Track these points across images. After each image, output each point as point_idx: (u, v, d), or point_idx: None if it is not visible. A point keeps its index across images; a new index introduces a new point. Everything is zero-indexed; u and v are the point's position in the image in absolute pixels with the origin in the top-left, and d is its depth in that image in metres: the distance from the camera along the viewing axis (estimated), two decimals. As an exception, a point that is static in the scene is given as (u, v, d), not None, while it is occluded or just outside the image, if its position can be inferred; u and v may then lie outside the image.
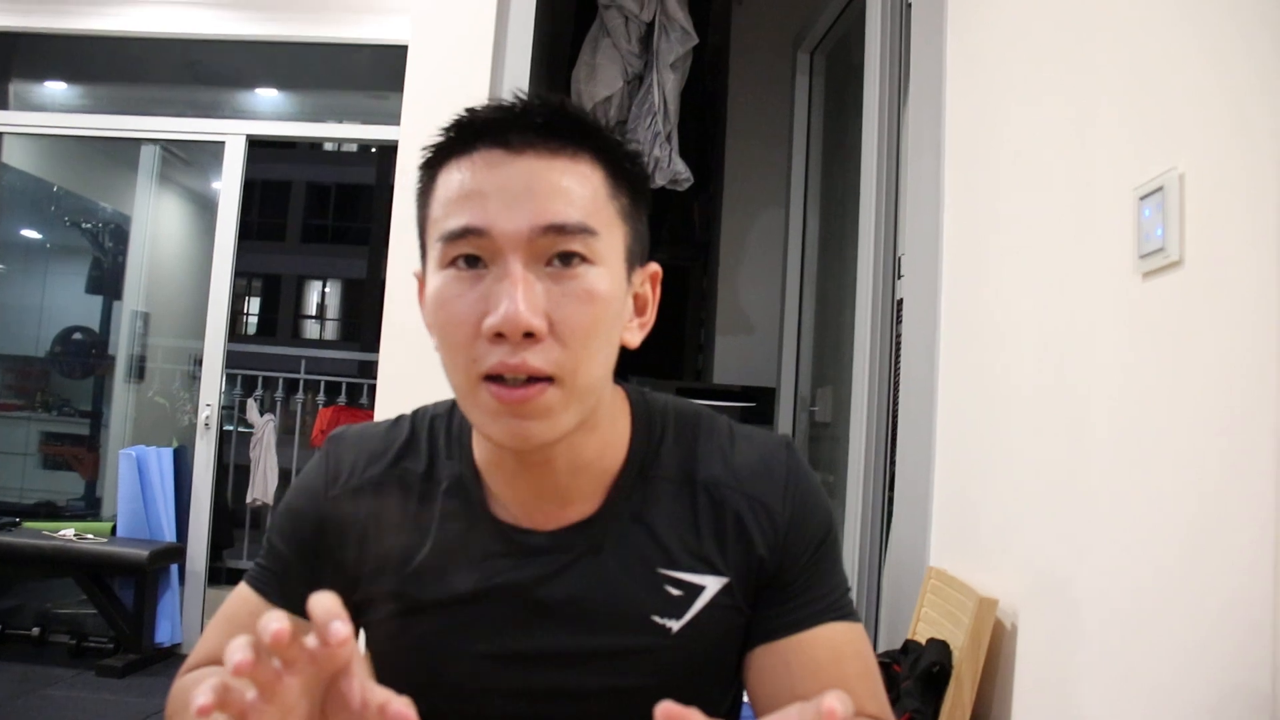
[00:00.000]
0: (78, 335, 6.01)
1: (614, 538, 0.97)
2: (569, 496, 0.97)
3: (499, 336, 0.84)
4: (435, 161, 0.93)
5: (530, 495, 0.97)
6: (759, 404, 4.11)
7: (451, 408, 1.06)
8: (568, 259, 0.87)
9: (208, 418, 4.53)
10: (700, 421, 1.03)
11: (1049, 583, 1.79)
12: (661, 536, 0.97)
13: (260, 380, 5.63)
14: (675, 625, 0.96)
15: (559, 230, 0.86)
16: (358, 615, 1.02)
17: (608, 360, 0.92)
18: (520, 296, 0.83)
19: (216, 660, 1.00)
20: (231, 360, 4.67)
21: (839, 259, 3.84)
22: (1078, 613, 1.67)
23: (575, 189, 0.88)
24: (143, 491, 4.51)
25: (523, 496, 0.97)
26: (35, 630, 4.46)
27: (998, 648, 1.92)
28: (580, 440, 0.94)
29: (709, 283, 5.28)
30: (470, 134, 0.90)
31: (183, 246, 6.49)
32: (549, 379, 0.85)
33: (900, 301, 2.72)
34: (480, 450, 1.00)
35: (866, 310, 2.80)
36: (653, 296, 1.00)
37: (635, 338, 0.97)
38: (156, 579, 4.36)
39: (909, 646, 2.09)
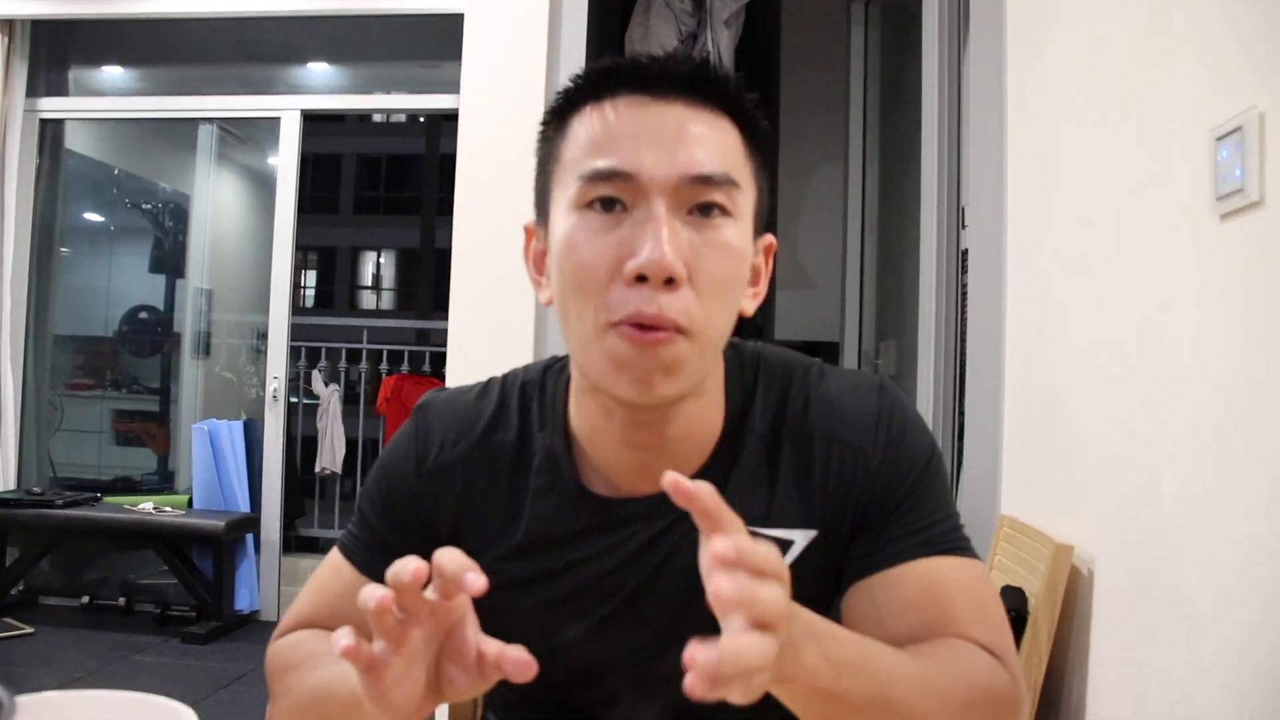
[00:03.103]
0: (144, 314, 6.14)
1: None
2: (669, 464, 0.92)
3: (639, 280, 0.82)
4: (569, 106, 0.91)
5: (631, 464, 0.96)
6: (824, 358, 4.09)
7: (544, 373, 1.05)
8: (708, 210, 0.85)
9: (276, 390, 4.63)
10: (790, 369, 1.01)
11: (1128, 529, 1.77)
12: (749, 494, 0.95)
13: (323, 351, 5.71)
14: None
15: (705, 180, 0.85)
16: None
17: (731, 321, 0.90)
18: (666, 239, 0.82)
19: (310, 624, 1.02)
20: (293, 333, 4.76)
21: (900, 211, 3.80)
22: (1158, 558, 1.66)
23: (720, 141, 0.87)
24: (216, 464, 4.63)
25: (622, 466, 0.96)
26: (121, 600, 4.66)
27: (1074, 595, 1.91)
28: (690, 407, 0.92)
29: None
30: (614, 80, 0.89)
31: (242, 223, 6.60)
32: (682, 332, 0.84)
33: (965, 252, 2.69)
34: (580, 417, 0.98)
35: (931, 261, 2.77)
36: (766, 269, 0.97)
37: (750, 306, 0.95)
38: (233, 549, 4.49)
39: (983, 596, 2.09)
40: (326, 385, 5.64)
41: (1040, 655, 1.85)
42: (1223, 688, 1.44)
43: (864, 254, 4.16)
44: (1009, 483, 2.38)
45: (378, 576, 1.00)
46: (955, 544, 0.93)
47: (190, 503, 4.71)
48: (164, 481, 5.88)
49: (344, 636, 0.70)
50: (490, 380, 1.07)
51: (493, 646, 0.75)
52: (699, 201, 0.85)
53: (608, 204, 0.85)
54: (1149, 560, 1.68)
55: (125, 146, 6.22)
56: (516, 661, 0.73)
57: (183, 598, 4.53)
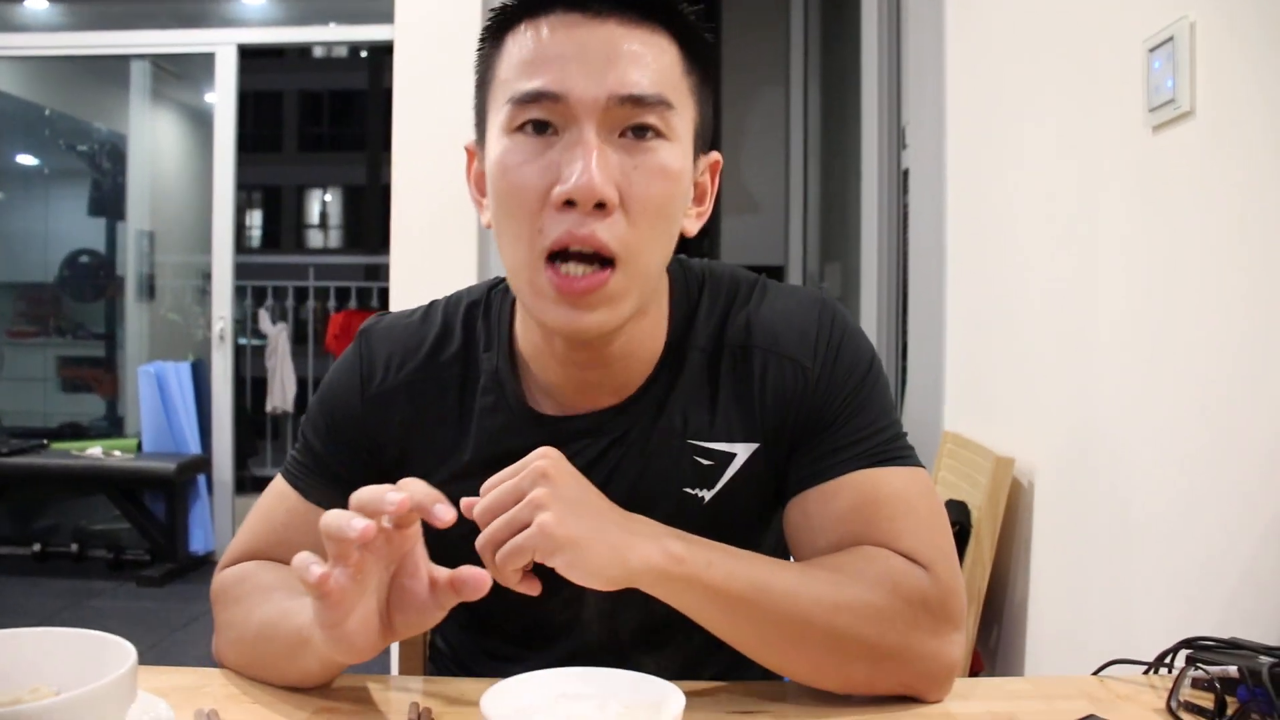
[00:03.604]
0: (84, 258, 6.01)
1: (647, 416, 0.96)
2: (613, 383, 0.96)
3: (568, 205, 0.81)
4: (504, 23, 0.88)
5: (575, 384, 0.96)
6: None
7: (488, 293, 1.04)
8: (642, 132, 0.84)
9: (222, 330, 4.57)
10: (735, 285, 1.00)
11: (1066, 440, 1.81)
12: (691, 408, 0.96)
13: (270, 291, 5.63)
14: (707, 495, 0.96)
15: (636, 102, 0.83)
16: None
17: (669, 244, 0.89)
18: (595, 164, 0.80)
19: (255, 555, 1.02)
20: (239, 272, 4.68)
21: (842, 133, 3.80)
22: (1095, 467, 1.70)
23: (654, 60, 0.85)
24: (164, 406, 4.58)
25: (565, 384, 0.96)
26: (74, 547, 4.60)
27: (1015, 506, 1.96)
28: (632, 327, 0.91)
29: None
30: None
31: (182, 163, 6.44)
32: (611, 263, 0.83)
33: (906, 172, 2.69)
34: (525, 336, 0.98)
35: (873, 182, 2.78)
36: (711, 187, 0.96)
37: (693, 226, 0.95)
38: (185, 490, 4.46)
39: (928, 510, 2.13)
40: (274, 324, 5.58)
41: (984, 565, 1.90)
42: (1160, 588, 1.49)
43: (807, 177, 4.16)
44: (951, 399, 2.42)
45: (323, 502, 1.00)
46: (895, 453, 0.93)
47: (140, 446, 4.66)
48: (113, 426, 5.81)
49: (314, 565, 0.71)
50: (433, 303, 1.06)
51: (443, 572, 0.76)
52: (632, 123, 0.83)
53: (539, 127, 0.84)
54: (1086, 470, 1.72)
55: (55, 85, 6.02)
56: (473, 578, 0.74)
57: (136, 542, 4.50)
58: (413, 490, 0.72)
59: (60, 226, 6.09)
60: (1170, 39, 1.44)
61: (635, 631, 1.02)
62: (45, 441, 4.67)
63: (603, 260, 0.83)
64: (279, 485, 1.04)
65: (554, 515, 0.76)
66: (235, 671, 0.94)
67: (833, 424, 0.94)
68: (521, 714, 0.74)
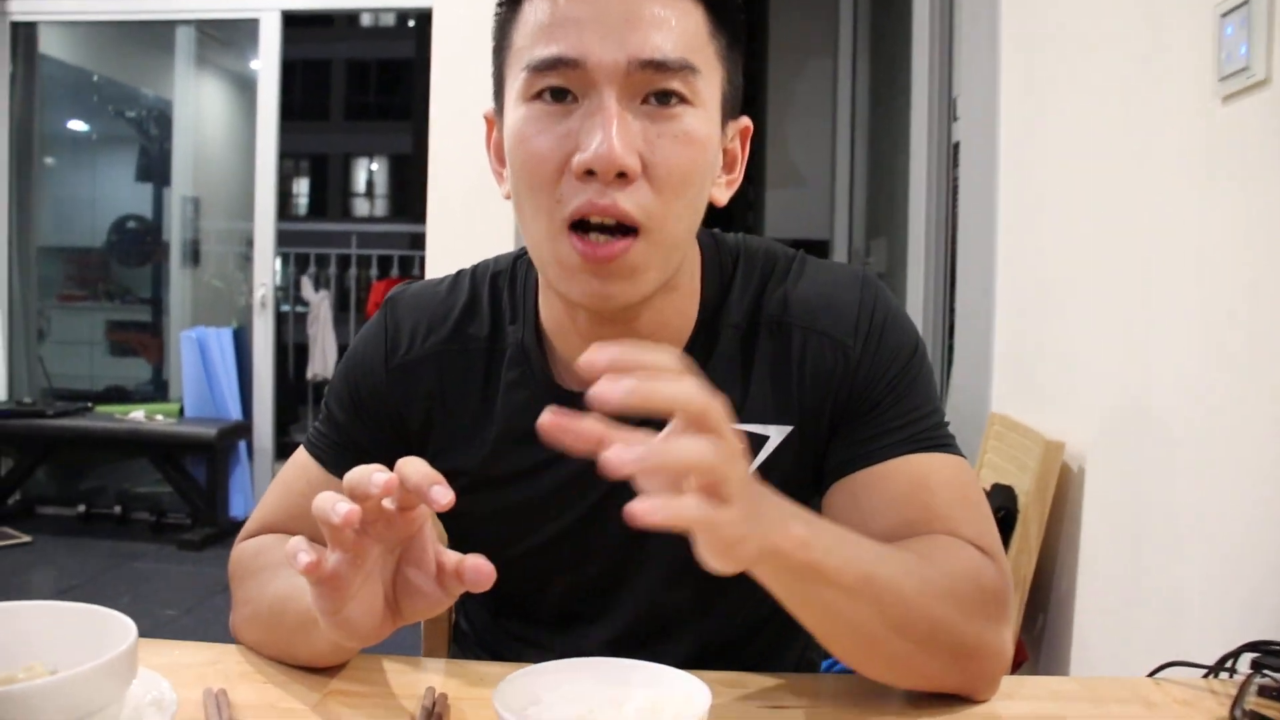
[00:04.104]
0: (132, 224, 6.06)
1: None
2: None
3: (588, 175, 0.78)
4: None
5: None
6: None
7: (514, 264, 1.01)
8: (665, 98, 0.80)
9: (263, 296, 4.59)
10: (771, 259, 0.97)
11: (1119, 426, 1.74)
12: (723, 388, 0.93)
13: (312, 258, 5.64)
14: None
15: (658, 66, 0.79)
16: None
17: (697, 215, 0.85)
18: (615, 132, 0.77)
19: (274, 528, 1.00)
20: (283, 240, 4.69)
21: (891, 105, 3.72)
22: (1150, 455, 1.63)
23: (677, 22, 0.80)
24: (206, 372, 4.61)
25: None
26: (117, 509, 4.68)
27: (1064, 492, 1.89)
28: (660, 300, 0.88)
29: (757, 137, 5.14)
30: None
31: (227, 129, 6.46)
32: (635, 232, 0.80)
33: (957, 145, 2.62)
34: (549, 311, 0.95)
35: (922, 156, 2.71)
36: (742, 154, 0.92)
37: (723, 195, 0.90)
38: (226, 456, 4.49)
39: (972, 494, 2.07)
40: (317, 291, 5.59)
41: (1030, 552, 1.84)
42: (1212, 582, 1.43)
43: (854, 150, 4.08)
44: (1000, 380, 2.35)
45: (345, 475, 0.98)
46: (939, 441, 0.90)
47: (182, 411, 4.70)
48: (158, 391, 5.87)
49: (303, 551, 0.67)
50: (460, 272, 1.03)
51: (451, 558, 0.72)
52: (654, 89, 0.79)
53: (557, 94, 0.80)
54: (1141, 457, 1.66)
55: (102, 50, 6.05)
56: (475, 569, 0.69)
57: (177, 505, 4.55)
58: (408, 471, 0.67)
59: (108, 192, 6.14)
60: (1245, 2, 1.36)
61: (669, 620, 0.98)
62: (90, 404, 4.73)
63: (625, 229, 0.80)
64: (300, 457, 1.02)
65: (734, 515, 0.64)
66: (251, 649, 0.92)
67: (877, 406, 0.90)
68: (534, 708, 0.70)
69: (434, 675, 0.87)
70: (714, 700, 0.68)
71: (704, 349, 0.93)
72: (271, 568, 0.92)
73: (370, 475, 0.66)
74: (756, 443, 0.93)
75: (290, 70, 4.50)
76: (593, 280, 0.81)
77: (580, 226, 0.80)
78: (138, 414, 4.52)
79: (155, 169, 6.07)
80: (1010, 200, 2.34)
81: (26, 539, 4.25)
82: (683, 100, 0.80)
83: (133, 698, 0.71)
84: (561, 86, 0.80)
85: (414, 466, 0.68)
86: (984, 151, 2.42)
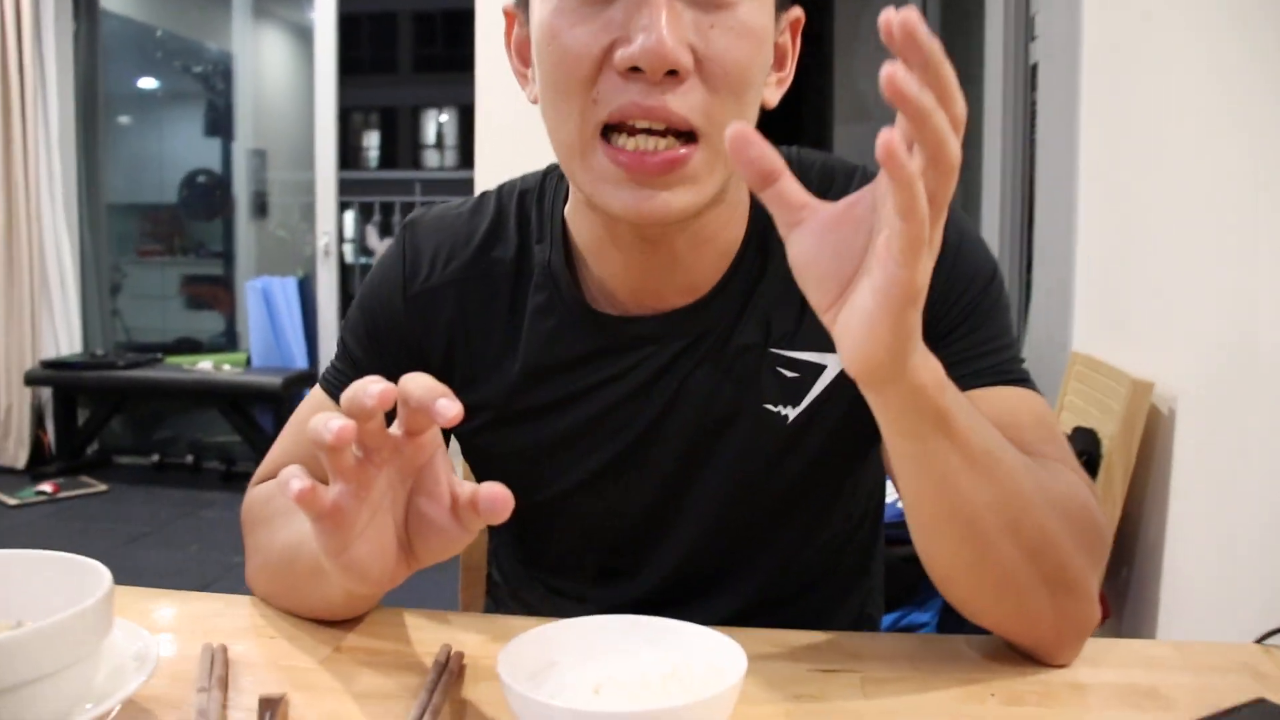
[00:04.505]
0: (201, 178, 6.11)
1: (723, 319, 0.83)
2: (684, 279, 0.83)
3: (633, 72, 0.69)
4: None
5: (638, 279, 0.83)
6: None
7: (543, 179, 0.92)
8: None
9: (326, 246, 4.60)
10: (829, 172, 0.86)
11: (1217, 364, 1.61)
12: (775, 311, 0.83)
13: (377, 206, 5.64)
14: (792, 413, 0.84)
15: None
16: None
17: (753, 117, 0.75)
18: (665, 23, 0.67)
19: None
20: (351, 190, 4.68)
21: (964, 25, 3.55)
22: (1251, 396, 1.50)
23: None
24: (271, 321, 4.64)
25: (630, 282, 0.84)
26: (189, 458, 4.77)
27: (1153, 436, 1.76)
28: (709, 212, 0.78)
29: (824, 70, 5.00)
30: None
31: (290, 81, 6.45)
32: (692, 137, 0.71)
33: (1035, 66, 2.47)
34: (580, 227, 0.86)
35: (997, 78, 2.57)
36: (793, 49, 0.82)
37: (774, 96, 0.80)
38: (292, 404, 4.50)
39: (1052, 438, 1.94)
40: (381, 240, 5.60)
41: (1114, 502, 1.72)
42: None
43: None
44: (1082, 316, 2.23)
45: None
46: (1019, 374, 0.81)
47: (249, 361, 4.74)
48: (230, 341, 5.94)
49: (295, 478, 0.59)
50: (485, 193, 0.94)
51: (466, 488, 0.64)
52: None
53: None
54: (1241, 399, 1.52)
55: (160, 4, 6.07)
56: (490, 498, 0.61)
57: (247, 454, 4.60)
58: (410, 386, 0.59)
59: (175, 147, 6.19)
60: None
61: (714, 572, 0.90)
62: (160, 356, 4.80)
63: (678, 134, 0.70)
64: (316, 394, 0.95)
65: (924, 269, 0.55)
66: (264, 600, 0.86)
67: (952, 333, 0.80)
68: (548, 671, 0.62)
69: (456, 631, 0.80)
70: (754, 662, 0.60)
71: (755, 266, 0.84)
72: (284, 514, 0.85)
73: (366, 387, 0.58)
74: (811, 373, 0.84)
75: (356, 24, 4.47)
76: (640, 190, 0.72)
77: (614, 130, 0.71)
78: (205, 364, 4.58)
79: (222, 123, 6.10)
80: (1094, 123, 2.19)
81: (102, 488, 4.34)
82: None
83: (115, 653, 0.65)
84: None
85: (418, 381, 0.60)
86: (1065, 71, 2.28)
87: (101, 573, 0.64)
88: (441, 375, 0.89)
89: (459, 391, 0.89)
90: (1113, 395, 1.80)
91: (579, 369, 0.86)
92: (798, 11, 0.81)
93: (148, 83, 6.25)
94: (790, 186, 0.58)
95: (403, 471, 0.64)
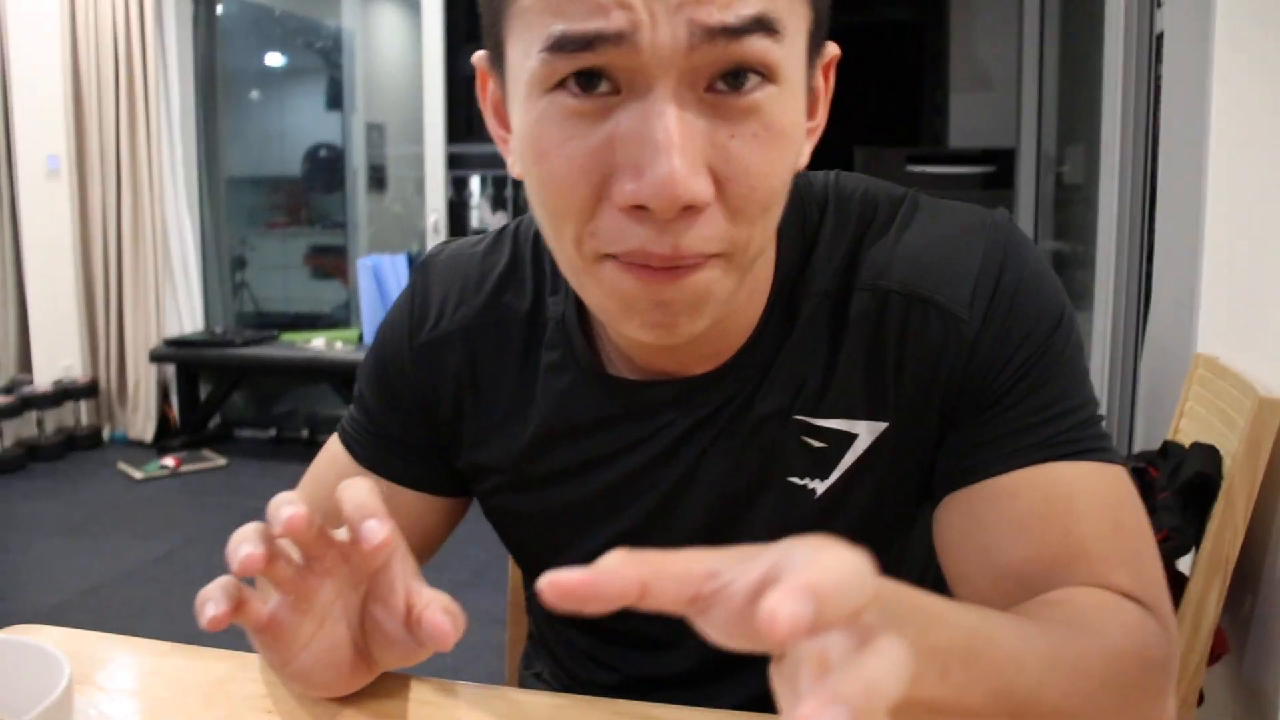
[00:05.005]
0: (323, 152, 6.26)
1: (746, 386, 0.74)
2: (707, 348, 0.74)
3: (639, 209, 0.57)
4: None
5: (656, 349, 0.74)
6: (999, 167, 3.70)
7: None
8: (738, 78, 0.57)
9: (436, 222, 4.67)
10: (871, 205, 0.76)
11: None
12: (800, 375, 0.74)
13: (489, 179, 5.68)
14: (820, 487, 0.75)
15: (730, 34, 0.55)
16: (468, 482, 0.87)
17: (782, 207, 0.64)
18: (677, 151, 0.55)
19: None
20: (465, 163, 4.74)
21: (1087, -6, 3.34)
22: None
23: None
24: (382, 299, 4.72)
25: (647, 350, 0.75)
26: (305, 433, 4.95)
27: (1282, 457, 1.60)
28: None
29: (942, 38, 4.81)
30: None
31: (405, 53, 6.52)
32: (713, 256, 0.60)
33: (1160, 35, 2.28)
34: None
35: (1118, 48, 2.38)
36: (826, 89, 0.70)
37: (806, 156, 0.68)
38: (400, 382, 4.60)
39: (1168, 449, 1.78)
40: (494, 213, 5.63)
41: (1235, 528, 1.56)
42: None
43: (1043, 47, 3.70)
44: (1208, 315, 2.06)
45: (377, 467, 0.86)
46: (1086, 444, 0.69)
47: (361, 338, 4.84)
48: (349, 315, 6.09)
49: (210, 602, 0.55)
50: (503, 229, 0.86)
51: (422, 599, 0.58)
52: (724, 68, 0.57)
53: (587, 81, 0.58)
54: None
55: (276, -17, 6.21)
56: (433, 627, 0.56)
57: (361, 431, 4.71)
58: (345, 497, 0.55)
59: (296, 123, 6.34)
60: None
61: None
62: (276, 333, 4.96)
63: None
64: (333, 445, 0.90)
65: None
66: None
67: (1004, 398, 0.70)
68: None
69: (462, 707, 0.74)
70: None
71: (779, 328, 0.74)
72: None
73: (278, 509, 0.54)
74: (841, 442, 0.74)
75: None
76: (654, 312, 0.61)
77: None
78: (318, 342, 4.70)
79: (342, 97, 6.22)
80: (1227, 99, 2.01)
81: (222, 462, 4.50)
82: (761, 76, 0.58)
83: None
84: (596, 71, 0.57)
85: (352, 492, 0.56)
86: (1195, 40, 2.09)
87: (59, 663, 0.61)
88: (452, 433, 0.84)
89: (470, 451, 0.84)
90: (1238, 408, 1.64)
91: (594, 434, 0.79)
92: (834, 50, 0.68)
93: (268, 60, 6.42)
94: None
95: (353, 579, 0.59)
